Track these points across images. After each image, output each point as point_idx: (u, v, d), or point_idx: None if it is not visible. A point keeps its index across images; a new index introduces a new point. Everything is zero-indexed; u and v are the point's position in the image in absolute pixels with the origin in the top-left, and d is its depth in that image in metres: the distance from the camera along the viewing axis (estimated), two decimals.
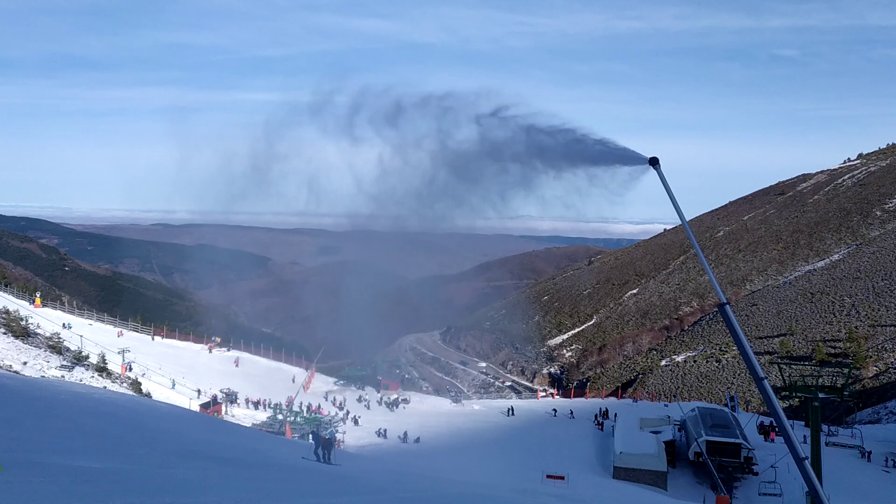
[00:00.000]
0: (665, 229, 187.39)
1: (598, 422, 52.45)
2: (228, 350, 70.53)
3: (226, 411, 50.39)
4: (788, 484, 33.22)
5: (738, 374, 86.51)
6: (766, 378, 6.86)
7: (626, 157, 9.98)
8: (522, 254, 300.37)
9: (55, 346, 49.27)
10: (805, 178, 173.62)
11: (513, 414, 57.49)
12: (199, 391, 52.93)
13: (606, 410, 54.97)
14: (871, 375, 77.31)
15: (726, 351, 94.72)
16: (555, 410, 57.81)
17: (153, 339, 69.47)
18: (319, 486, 13.03)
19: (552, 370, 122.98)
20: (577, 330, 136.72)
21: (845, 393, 31.96)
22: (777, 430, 44.12)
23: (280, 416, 50.38)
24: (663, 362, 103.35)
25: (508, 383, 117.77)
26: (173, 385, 53.33)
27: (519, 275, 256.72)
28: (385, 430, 49.03)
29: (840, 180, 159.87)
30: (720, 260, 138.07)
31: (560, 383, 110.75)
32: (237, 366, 65.89)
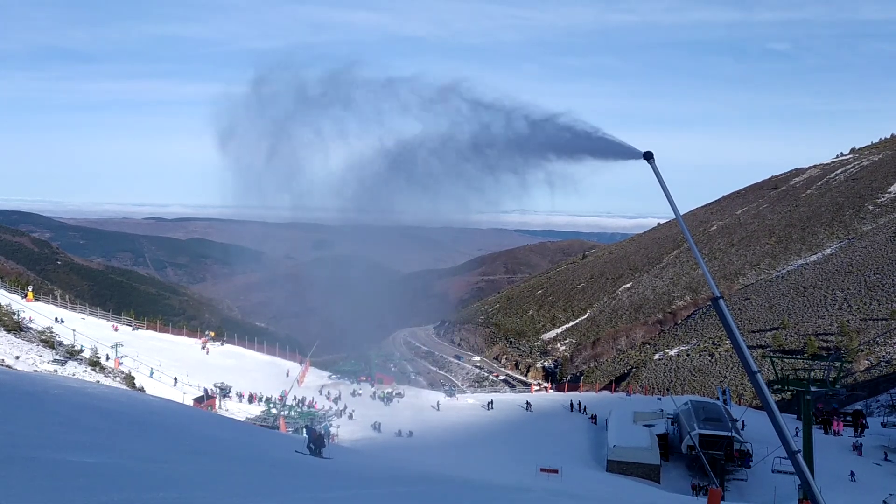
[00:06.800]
0: (658, 223, 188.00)
1: (593, 416, 52.78)
2: (222, 345, 70.40)
3: (219, 405, 50.41)
4: (782, 477, 33.45)
5: (731, 368, 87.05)
6: (759, 372, 6.88)
7: (621, 151, 9.95)
8: (516, 248, 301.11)
9: (48, 341, 48.99)
10: (798, 172, 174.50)
11: (491, 408, 57.63)
12: (175, 379, 53.03)
13: (580, 403, 55.92)
14: (862, 369, 77.90)
15: (719, 345, 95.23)
16: (528, 403, 58.62)
17: (133, 330, 68.98)
18: (313, 480, 13.04)
19: (546, 364, 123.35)
20: (570, 324, 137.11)
21: (837, 386, 32.16)
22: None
23: (274, 411, 50.46)
24: (656, 356, 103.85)
25: (502, 377, 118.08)
26: (151, 374, 53.42)
27: (513, 269, 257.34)
28: (380, 424, 49.17)
29: (833, 175, 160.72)
30: (713, 254, 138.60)
31: (554, 377, 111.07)
32: (207, 353, 66.03)
